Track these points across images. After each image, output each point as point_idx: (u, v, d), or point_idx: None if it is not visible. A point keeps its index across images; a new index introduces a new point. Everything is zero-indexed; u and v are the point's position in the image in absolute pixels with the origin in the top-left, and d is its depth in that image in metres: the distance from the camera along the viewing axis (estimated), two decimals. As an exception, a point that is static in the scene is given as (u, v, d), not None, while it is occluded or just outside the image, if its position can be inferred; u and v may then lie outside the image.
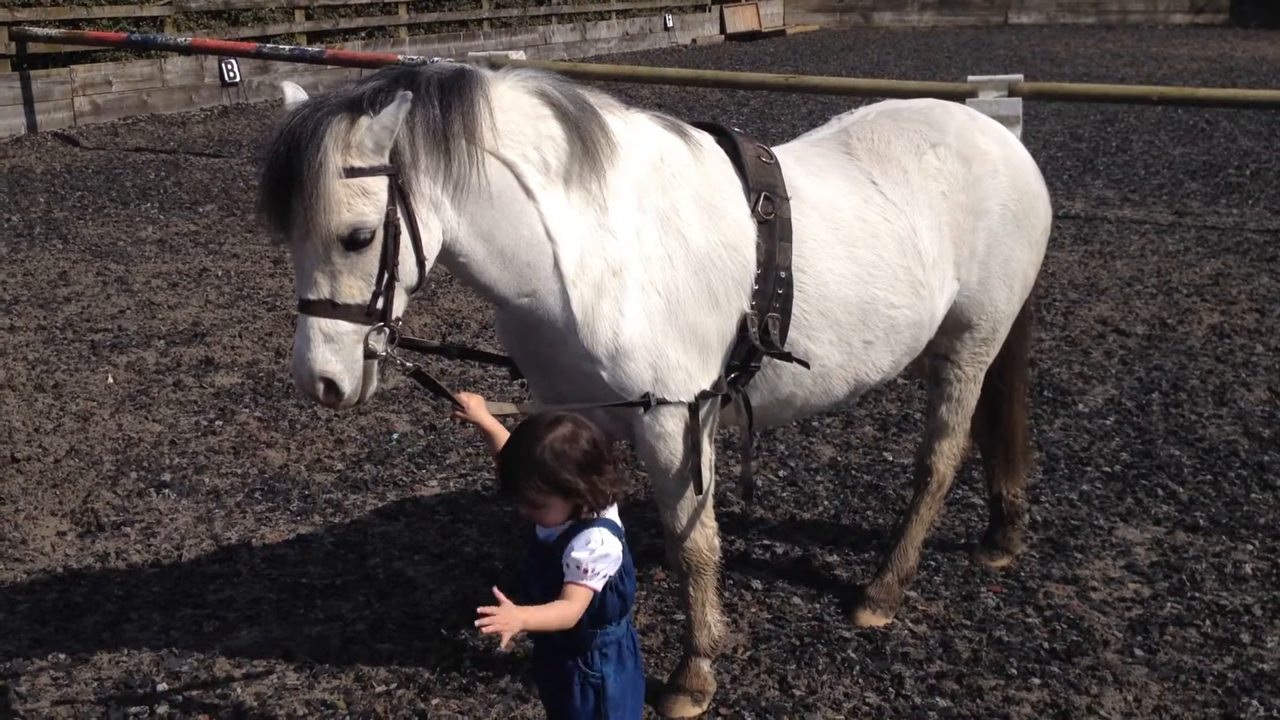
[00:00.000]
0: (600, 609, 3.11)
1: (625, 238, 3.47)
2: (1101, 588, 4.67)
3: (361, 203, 3.11)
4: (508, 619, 2.94)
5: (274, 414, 6.27)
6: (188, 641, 4.29)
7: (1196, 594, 4.61)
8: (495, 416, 3.34)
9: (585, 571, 3.00)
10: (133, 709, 3.92)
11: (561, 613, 3.05)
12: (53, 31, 13.98)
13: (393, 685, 4.04)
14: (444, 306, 7.99)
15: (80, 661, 4.17)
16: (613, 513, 3.11)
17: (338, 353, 3.18)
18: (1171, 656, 4.22)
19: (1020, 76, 10.68)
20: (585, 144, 3.40)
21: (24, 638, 4.31)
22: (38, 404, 6.38)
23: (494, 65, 3.60)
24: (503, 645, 2.99)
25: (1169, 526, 5.12)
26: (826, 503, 5.39)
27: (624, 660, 3.21)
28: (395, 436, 6.01)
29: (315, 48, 15.55)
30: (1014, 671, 4.14)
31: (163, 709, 3.92)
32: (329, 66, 14.96)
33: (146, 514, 5.24)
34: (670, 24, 26.61)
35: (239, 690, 4.02)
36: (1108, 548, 4.96)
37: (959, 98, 10.86)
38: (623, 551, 3.09)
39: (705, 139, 3.76)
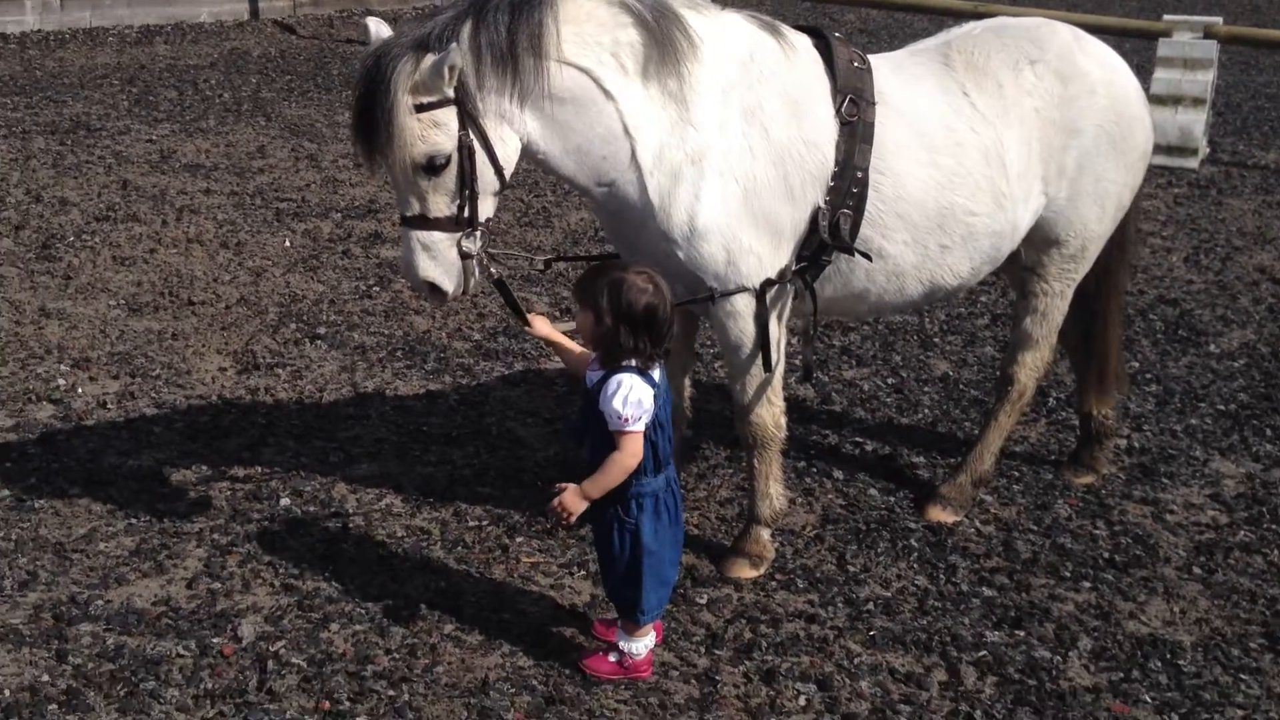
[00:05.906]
0: None
1: (708, 130, 3.71)
2: (1179, 512, 4.77)
3: (434, 133, 3.46)
4: (574, 500, 3.41)
5: (427, 286, 6.73)
6: (314, 468, 4.79)
7: (1274, 525, 4.67)
8: (562, 333, 3.75)
9: (624, 419, 3.33)
10: (256, 507, 4.46)
11: (617, 464, 3.39)
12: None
13: (484, 523, 4.46)
14: (568, 224, 8.08)
15: (220, 475, 4.71)
16: (655, 372, 3.42)
17: (435, 259, 3.60)
18: (1229, 578, 4.33)
19: (1219, 19, 10.36)
20: (664, 48, 3.63)
21: (174, 449, 4.88)
22: (219, 258, 7.00)
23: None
24: (570, 521, 3.45)
25: (1267, 464, 5.15)
26: (927, 410, 5.57)
27: (660, 514, 3.52)
28: (533, 315, 6.40)
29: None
30: (1067, 574, 4.31)
31: (282, 505, 4.47)
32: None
33: (298, 359, 5.78)
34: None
35: (350, 511, 4.50)
36: (1197, 478, 5.03)
37: (1151, 36, 10.61)
38: (657, 404, 3.40)
39: (801, 40, 3.96)
